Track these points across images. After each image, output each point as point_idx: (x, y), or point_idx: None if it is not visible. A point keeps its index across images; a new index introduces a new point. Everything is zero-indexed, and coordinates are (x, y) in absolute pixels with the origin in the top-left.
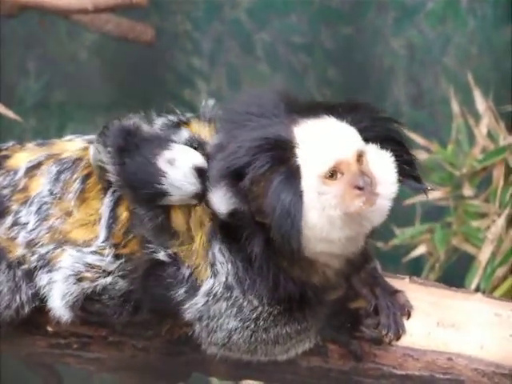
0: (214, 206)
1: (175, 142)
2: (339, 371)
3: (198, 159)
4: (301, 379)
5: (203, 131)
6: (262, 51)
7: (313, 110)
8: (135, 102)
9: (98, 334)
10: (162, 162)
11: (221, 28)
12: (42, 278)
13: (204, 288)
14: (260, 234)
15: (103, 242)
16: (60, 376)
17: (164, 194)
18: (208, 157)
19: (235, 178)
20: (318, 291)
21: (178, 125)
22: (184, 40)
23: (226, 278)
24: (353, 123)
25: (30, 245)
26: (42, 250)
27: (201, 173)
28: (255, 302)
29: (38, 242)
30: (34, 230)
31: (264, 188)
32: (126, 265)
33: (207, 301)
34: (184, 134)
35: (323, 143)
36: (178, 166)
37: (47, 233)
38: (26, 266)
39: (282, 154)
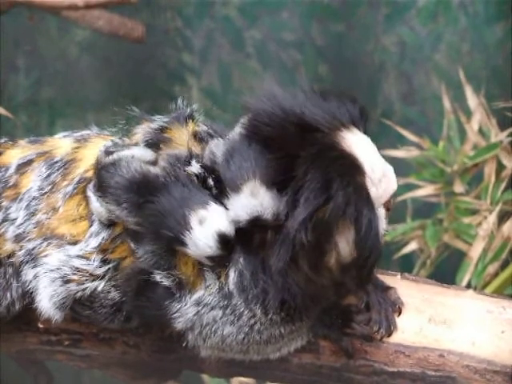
0: (231, 213)
1: (211, 199)
2: (331, 368)
3: (226, 226)
4: (292, 376)
5: (183, 135)
6: (253, 48)
7: (338, 112)
8: (125, 98)
9: (88, 330)
10: (193, 218)
11: (212, 25)
12: (28, 273)
13: (195, 296)
14: (288, 249)
15: (90, 247)
16: (50, 373)
17: (182, 243)
18: (216, 164)
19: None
20: (315, 292)
21: (161, 130)
22: (175, 37)
23: (223, 287)
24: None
25: (18, 239)
26: (30, 245)
27: (224, 239)
28: (258, 312)
29: (26, 237)
30: (22, 224)
31: (350, 220)
32: (116, 272)
33: (198, 311)
34: (194, 168)
35: (382, 173)
36: (205, 227)
37: (35, 227)
38: (14, 262)
39: (363, 187)
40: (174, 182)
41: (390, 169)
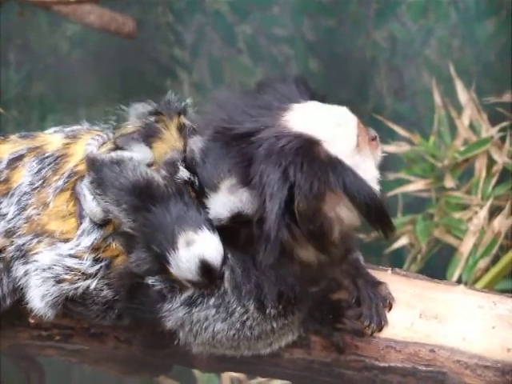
0: (212, 212)
1: (206, 224)
2: (321, 363)
3: (212, 255)
4: (283, 371)
5: (172, 129)
6: (244, 43)
7: (275, 99)
8: (116, 93)
9: (80, 325)
10: (181, 239)
11: (203, 20)
12: (18, 269)
13: (184, 296)
14: (278, 243)
15: (82, 247)
16: (42, 368)
17: (166, 261)
18: (195, 163)
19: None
20: (305, 285)
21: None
22: (166, 32)
23: (220, 286)
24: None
25: (9, 235)
26: (20, 241)
27: (206, 267)
28: (251, 308)
29: (16, 232)
30: (12, 219)
31: (329, 194)
32: (108, 270)
33: (189, 310)
34: (182, 174)
35: (335, 124)
36: (190, 251)
37: (25, 223)
38: (5, 256)
39: (321, 157)
40: (175, 197)
41: (342, 113)
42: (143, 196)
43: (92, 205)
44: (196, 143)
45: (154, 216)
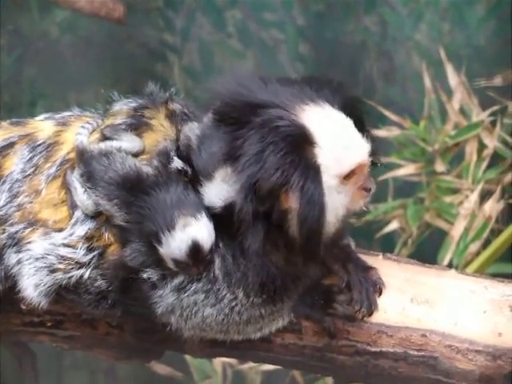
0: (206, 200)
1: (205, 211)
2: (313, 348)
3: (205, 239)
4: (275, 356)
5: (160, 119)
6: (234, 28)
7: (305, 93)
8: (107, 78)
9: (71, 312)
10: (180, 221)
11: (193, 5)
12: (11, 257)
13: (175, 282)
14: (259, 229)
15: (76, 236)
16: (34, 354)
17: (158, 241)
18: (191, 150)
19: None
20: (294, 272)
21: (140, 114)
22: (156, 17)
23: (210, 272)
24: (342, 110)
25: (0, 222)
26: (12, 229)
27: (196, 248)
28: (240, 295)
29: (8, 220)
30: (4, 206)
31: (287, 189)
32: (101, 259)
33: (179, 296)
34: (176, 164)
35: (342, 144)
36: (185, 232)
37: (17, 210)
38: None
39: (303, 154)
40: (174, 183)
41: (356, 143)
42: (134, 190)
43: (83, 198)
44: (192, 130)
45: (152, 200)
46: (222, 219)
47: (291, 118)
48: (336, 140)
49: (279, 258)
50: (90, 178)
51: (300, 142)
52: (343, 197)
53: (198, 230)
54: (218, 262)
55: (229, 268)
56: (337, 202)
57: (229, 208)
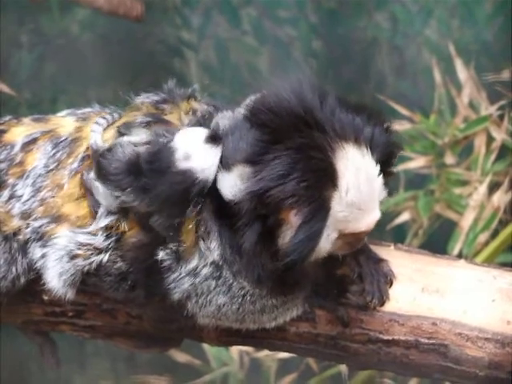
0: (219, 188)
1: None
2: (327, 336)
3: (201, 132)
4: (290, 345)
5: (180, 114)
6: (249, 25)
7: (354, 126)
8: (126, 74)
9: (92, 301)
10: (179, 164)
11: (209, 3)
12: (36, 252)
13: (189, 267)
14: (255, 228)
15: (98, 227)
16: (55, 343)
17: (200, 183)
18: (216, 137)
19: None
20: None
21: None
22: (173, 15)
23: (216, 258)
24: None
25: (24, 216)
26: (36, 224)
27: (214, 138)
28: (245, 284)
29: (32, 214)
30: (27, 200)
31: (293, 212)
32: (119, 243)
33: (193, 281)
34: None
35: (359, 205)
36: (195, 155)
37: (40, 205)
38: (21, 238)
39: (322, 193)
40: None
41: (371, 210)
42: (140, 171)
43: (105, 195)
44: (223, 118)
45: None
46: (228, 209)
47: (328, 153)
48: (356, 196)
49: (273, 256)
50: (99, 175)
51: (325, 181)
52: (330, 245)
53: (191, 141)
54: (216, 248)
55: (228, 258)
56: (323, 247)
57: (235, 204)
